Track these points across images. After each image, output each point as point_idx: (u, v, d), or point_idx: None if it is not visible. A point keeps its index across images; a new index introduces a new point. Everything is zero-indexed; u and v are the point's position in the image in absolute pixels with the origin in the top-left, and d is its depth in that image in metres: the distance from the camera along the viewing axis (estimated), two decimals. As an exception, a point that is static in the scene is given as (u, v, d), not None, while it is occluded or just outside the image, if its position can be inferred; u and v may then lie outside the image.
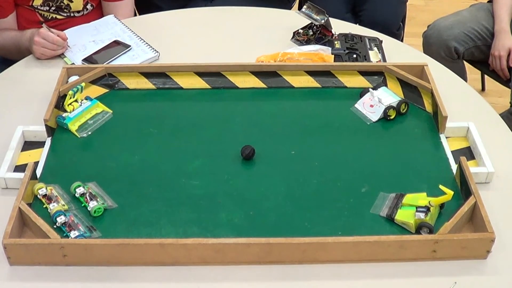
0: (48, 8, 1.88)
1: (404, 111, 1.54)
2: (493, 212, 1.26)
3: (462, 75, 2.34)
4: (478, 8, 2.34)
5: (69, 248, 1.17)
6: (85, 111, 1.51)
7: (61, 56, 1.76)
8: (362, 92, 1.58)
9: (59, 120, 1.47)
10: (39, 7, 1.87)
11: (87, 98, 1.53)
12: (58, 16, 1.92)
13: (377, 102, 1.53)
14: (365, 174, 1.37)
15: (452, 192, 1.23)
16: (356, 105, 1.56)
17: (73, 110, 1.50)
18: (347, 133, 1.50)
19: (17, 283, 1.17)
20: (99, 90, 1.59)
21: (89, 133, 1.48)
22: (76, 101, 1.51)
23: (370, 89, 1.56)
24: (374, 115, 1.52)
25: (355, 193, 1.32)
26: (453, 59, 2.25)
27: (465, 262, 1.21)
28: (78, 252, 1.17)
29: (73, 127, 1.47)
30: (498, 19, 2.20)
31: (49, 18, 1.91)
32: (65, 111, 1.50)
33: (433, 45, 2.25)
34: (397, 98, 1.54)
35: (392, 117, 1.52)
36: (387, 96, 1.54)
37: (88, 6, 1.95)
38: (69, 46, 1.76)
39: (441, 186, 1.25)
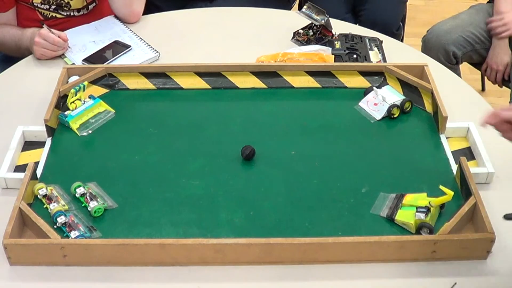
0: (48, 6, 1.88)
1: (408, 109, 1.54)
2: (493, 212, 1.26)
3: None
4: (477, 10, 2.32)
5: (69, 248, 1.17)
6: (88, 109, 1.51)
7: (61, 56, 1.76)
8: (366, 90, 1.58)
9: (61, 118, 1.48)
10: (39, 6, 1.87)
11: (90, 96, 1.54)
12: (58, 15, 1.91)
13: (381, 100, 1.53)
14: (365, 174, 1.37)
15: (452, 193, 1.23)
16: (360, 104, 1.56)
17: (76, 108, 1.50)
18: (347, 133, 1.50)
19: (17, 283, 1.17)
20: (100, 90, 1.59)
21: (90, 132, 1.48)
22: (79, 99, 1.51)
23: (374, 88, 1.57)
24: (378, 114, 1.52)
25: (355, 193, 1.32)
26: (451, 64, 2.24)
27: (465, 262, 1.21)
28: (78, 252, 1.17)
29: (74, 125, 1.48)
30: (497, 13, 2.19)
31: (49, 17, 1.91)
32: (68, 109, 1.50)
33: (432, 49, 2.25)
34: (401, 97, 1.54)
35: (396, 116, 1.52)
36: (391, 95, 1.54)
37: (90, 6, 1.94)
38: (69, 47, 1.76)
39: (441, 187, 1.25)
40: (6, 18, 1.85)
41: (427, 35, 2.31)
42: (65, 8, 1.90)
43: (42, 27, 1.74)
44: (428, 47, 2.28)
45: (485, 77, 2.82)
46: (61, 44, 1.72)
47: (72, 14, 1.93)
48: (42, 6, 1.88)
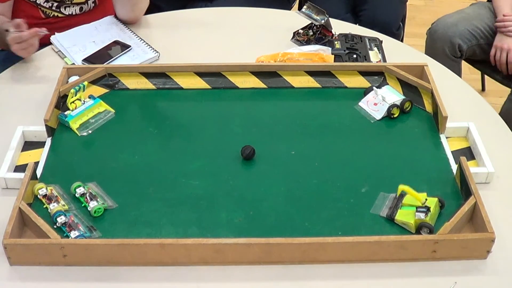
0: (51, 5, 1.87)
1: (408, 109, 1.54)
2: (493, 212, 1.26)
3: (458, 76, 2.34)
4: (479, 6, 2.34)
5: (69, 248, 1.17)
6: (88, 109, 1.51)
7: (61, 56, 1.76)
8: (366, 90, 1.58)
9: (61, 118, 1.48)
10: (42, 3, 1.87)
11: (90, 96, 1.54)
12: (60, 15, 1.91)
13: (381, 100, 1.53)
14: (365, 174, 1.37)
15: (422, 195, 1.26)
16: (360, 103, 1.56)
17: (76, 108, 1.50)
18: (347, 133, 1.50)
19: (17, 283, 1.17)
20: (100, 90, 1.60)
21: (90, 131, 1.48)
22: (79, 99, 1.52)
23: (374, 87, 1.57)
24: (378, 113, 1.53)
25: (355, 193, 1.32)
26: (455, 57, 2.25)
27: (465, 262, 1.21)
28: (78, 252, 1.17)
29: (74, 125, 1.48)
30: (500, 14, 2.19)
31: (51, 15, 1.90)
32: (68, 109, 1.50)
33: (437, 41, 2.25)
34: (400, 97, 1.54)
35: (395, 115, 1.52)
36: (391, 95, 1.54)
37: (90, 2, 1.94)
38: (48, 32, 1.65)
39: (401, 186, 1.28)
40: (2, 9, 1.83)
41: (432, 27, 2.31)
42: (67, 2, 1.89)
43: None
44: (433, 38, 2.28)
45: (485, 77, 2.83)
46: (34, 32, 1.60)
47: (74, 13, 1.93)
48: (45, 4, 1.87)
